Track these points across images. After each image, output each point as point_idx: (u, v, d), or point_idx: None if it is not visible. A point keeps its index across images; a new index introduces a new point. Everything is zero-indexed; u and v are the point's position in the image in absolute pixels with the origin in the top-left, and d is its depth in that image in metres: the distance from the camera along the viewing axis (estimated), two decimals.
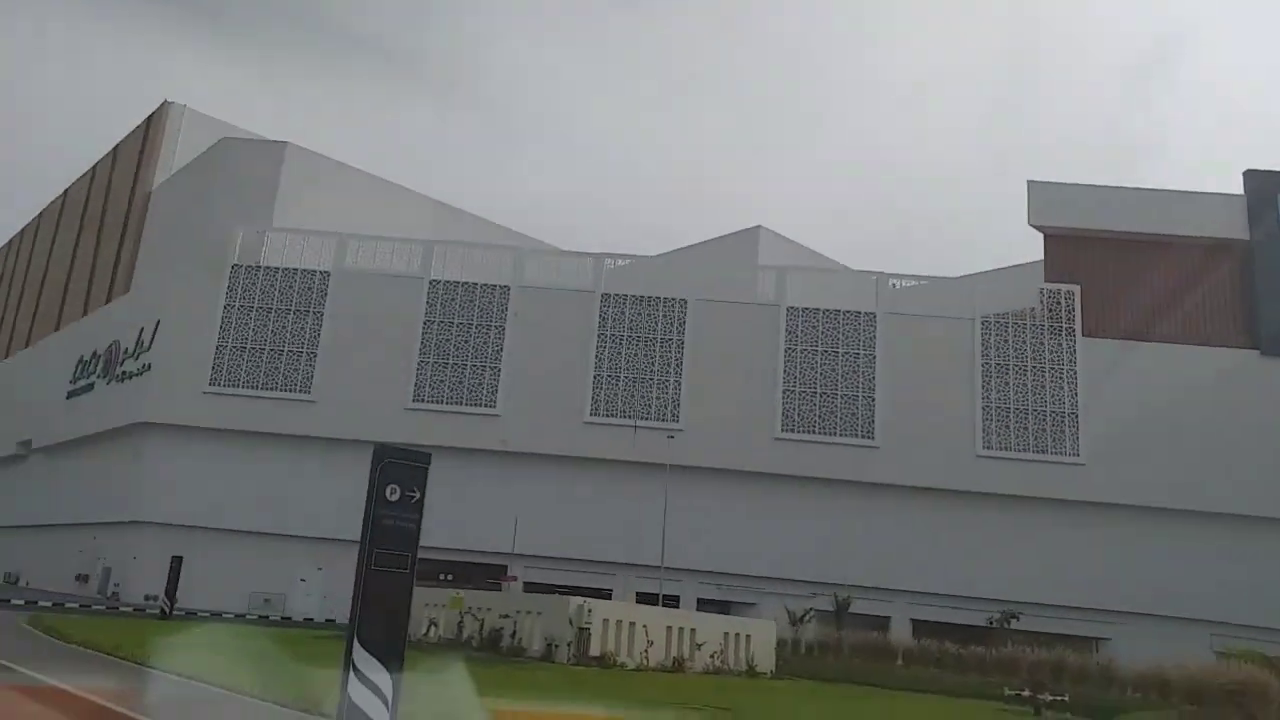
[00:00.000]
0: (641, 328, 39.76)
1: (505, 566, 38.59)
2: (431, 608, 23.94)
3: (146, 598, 38.70)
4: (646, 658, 18.59)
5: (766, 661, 20.84)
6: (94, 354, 46.85)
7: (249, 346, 39.95)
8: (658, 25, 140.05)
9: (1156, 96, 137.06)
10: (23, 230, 73.82)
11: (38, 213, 71.76)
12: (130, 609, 34.36)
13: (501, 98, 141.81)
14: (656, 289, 40.20)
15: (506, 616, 20.12)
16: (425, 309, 40.15)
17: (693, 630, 19.59)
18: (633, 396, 39.09)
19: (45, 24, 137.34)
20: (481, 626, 20.79)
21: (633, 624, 18.38)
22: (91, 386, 46.16)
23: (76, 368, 48.54)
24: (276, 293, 40.56)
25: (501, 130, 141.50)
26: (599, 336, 39.62)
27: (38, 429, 51.09)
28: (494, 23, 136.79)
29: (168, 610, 27.62)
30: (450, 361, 39.58)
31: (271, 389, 39.40)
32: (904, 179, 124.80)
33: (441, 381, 39.38)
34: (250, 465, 39.18)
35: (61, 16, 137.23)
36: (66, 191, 65.59)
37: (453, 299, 40.28)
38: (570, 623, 17.92)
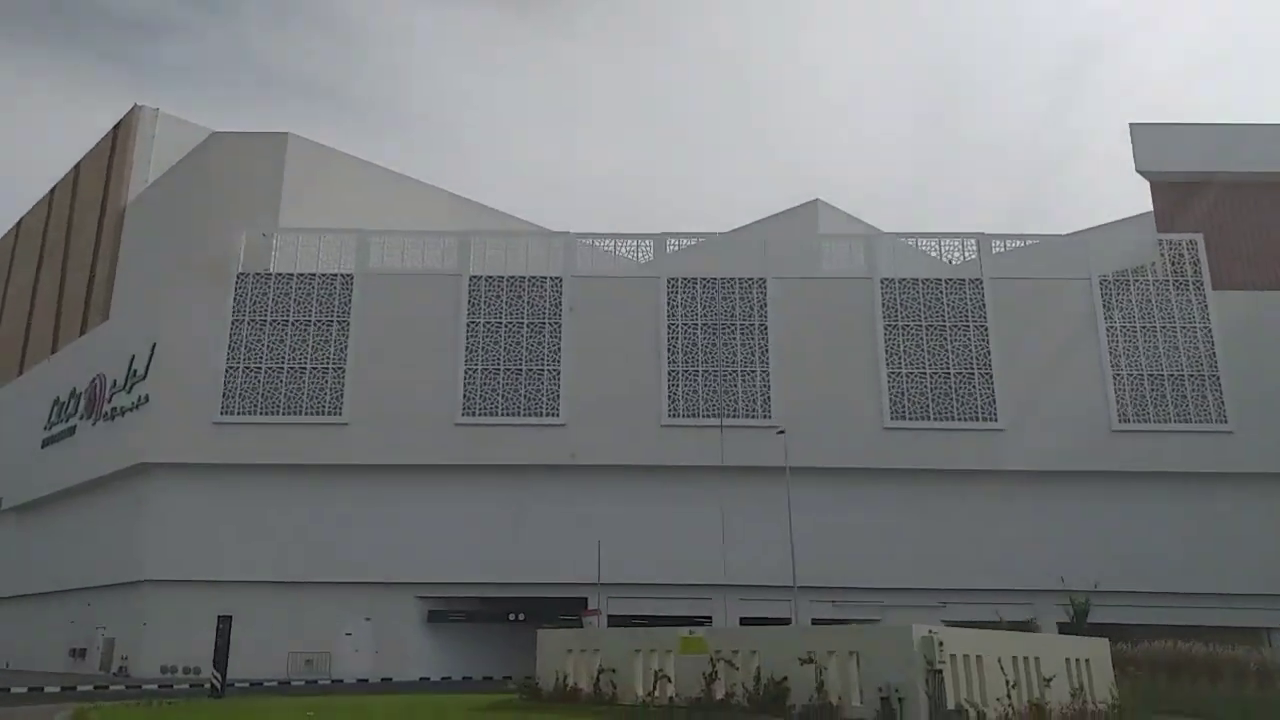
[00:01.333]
0: (716, 312, 35.21)
1: (585, 599, 33.63)
2: (640, 654, 16.36)
3: (163, 670, 33.04)
4: (1011, 707, 12.91)
5: (1106, 690, 15.51)
6: (72, 393, 41.10)
7: (264, 366, 34.69)
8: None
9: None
10: None
11: None
12: (156, 686, 28.76)
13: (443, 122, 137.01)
14: (721, 270, 35.77)
15: (808, 661, 13.38)
16: (467, 309, 35.24)
17: (1037, 659, 14.15)
18: (715, 392, 34.44)
19: None
20: (758, 677, 14.08)
21: (979, 657, 12.79)
22: (72, 431, 40.37)
23: (51, 411, 42.63)
24: (292, 302, 35.39)
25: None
26: (669, 326, 34.98)
27: (6, 486, 44.99)
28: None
29: (219, 686, 22.19)
30: (502, 367, 34.66)
31: (294, 413, 34.14)
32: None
33: (494, 390, 34.43)
34: (274, 504, 33.84)
35: None
36: (19, 224, 59.69)
37: (497, 296, 35.44)
38: (916, 663, 12.29)
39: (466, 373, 34.60)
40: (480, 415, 34.18)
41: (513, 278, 35.61)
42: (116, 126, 47.57)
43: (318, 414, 34.20)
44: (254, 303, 35.37)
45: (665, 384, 34.40)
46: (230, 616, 23.63)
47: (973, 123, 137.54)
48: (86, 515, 38.81)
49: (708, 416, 34.11)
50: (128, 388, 36.34)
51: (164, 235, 38.69)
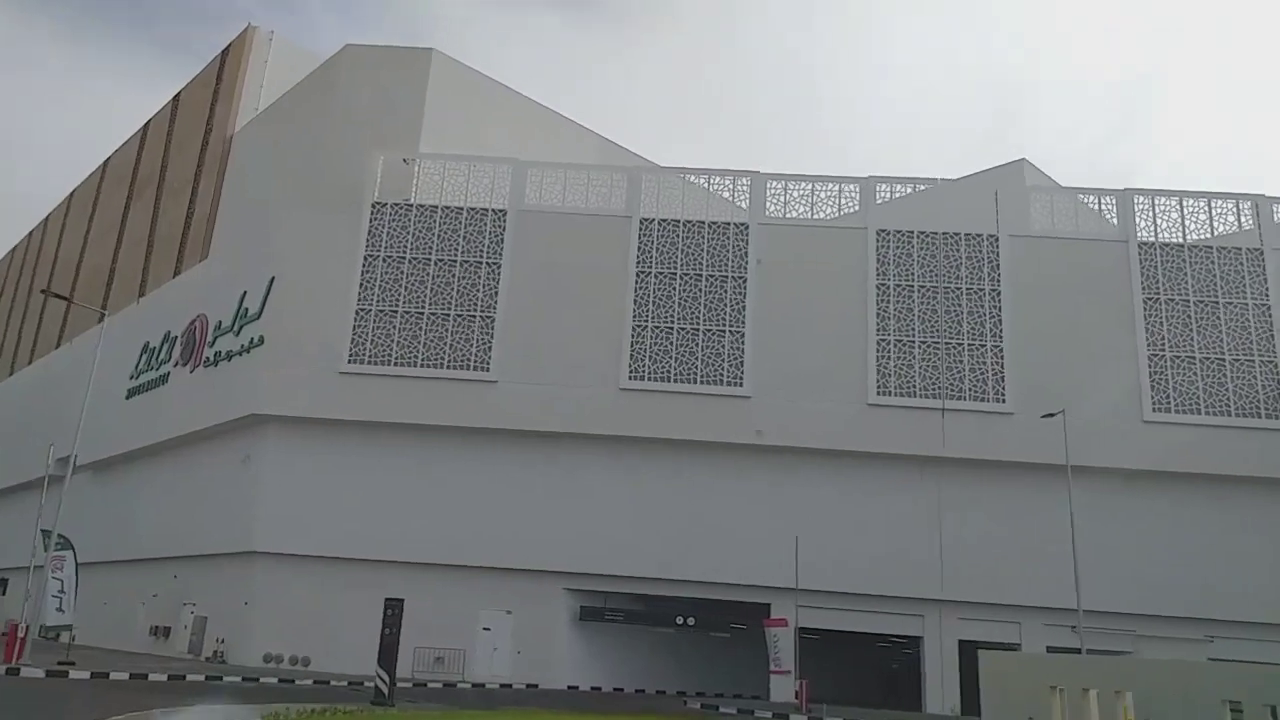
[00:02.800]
0: (937, 273, 29.87)
1: (767, 606, 28.49)
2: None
3: (267, 659, 28.43)
4: None
5: None
6: (166, 337, 36.88)
7: (401, 309, 30.05)
8: None
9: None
10: (46, 218, 64.24)
11: (65, 196, 62.32)
12: (276, 680, 24.22)
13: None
14: (938, 225, 30.48)
15: None
16: (637, 256, 30.37)
17: None
18: (933, 367, 29.12)
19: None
20: None
21: None
22: (165, 379, 36.11)
23: (140, 358, 38.48)
24: (435, 238, 30.74)
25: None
26: (879, 286, 29.72)
27: (85, 441, 40.85)
28: None
29: (386, 689, 17.30)
30: (676, 325, 29.67)
31: (435, 365, 29.45)
32: None
33: (666, 352, 29.44)
34: (405, 472, 29.17)
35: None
36: (105, 164, 56.12)
37: (672, 243, 30.47)
38: None
39: (634, 330, 29.63)
40: (650, 380, 29.17)
41: (690, 223, 30.59)
42: (224, 51, 43.60)
43: (461, 368, 29.43)
44: (391, 236, 30.75)
45: (873, 354, 29.11)
46: (401, 600, 18.85)
47: None
48: (179, 475, 34.45)
49: (925, 396, 28.81)
50: (236, 329, 31.90)
51: (282, 162, 34.32)
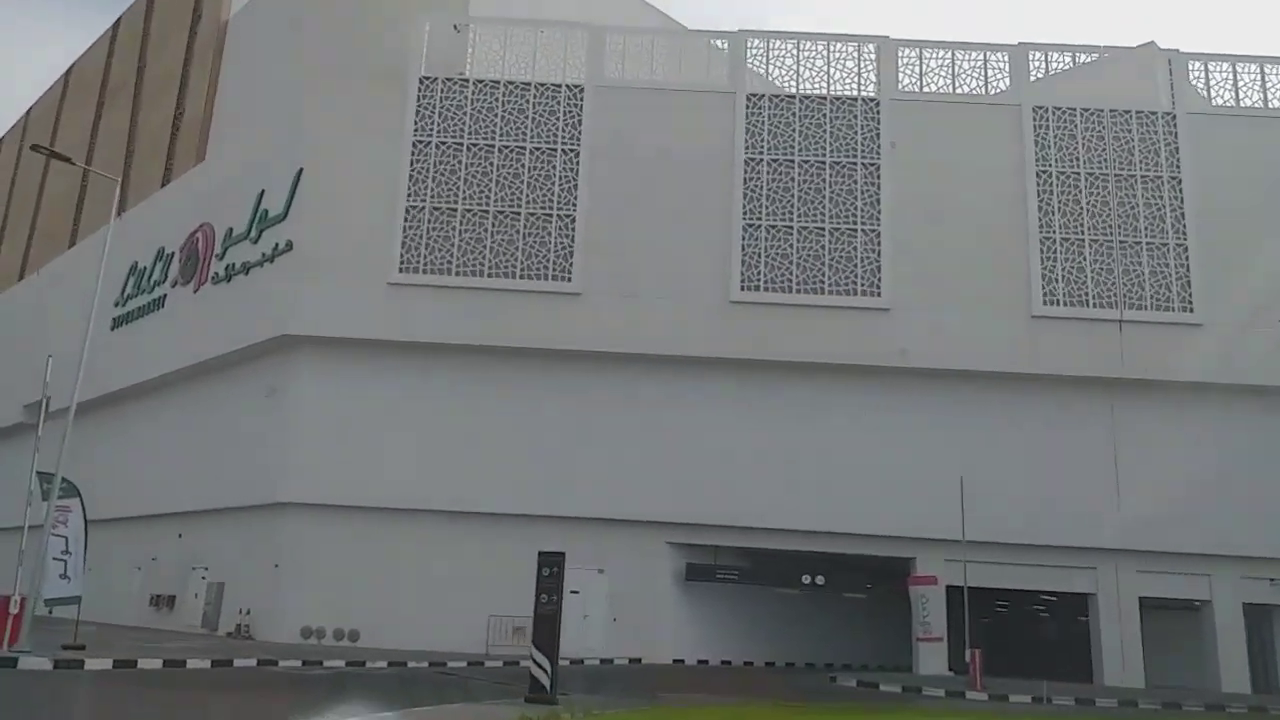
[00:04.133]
0: (1105, 158, 25.30)
1: (909, 561, 24.23)
2: None
3: (305, 633, 23.73)
4: None
5: None
6: (160, 254, 31.49)
7: (462, 207, 25.00)
8: None
9: None
10: None
11: (20, 117, 55.81)
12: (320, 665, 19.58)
13: None
14: (1088, 102, 25.78)
15: None
16: (746, 141, 25.48)
17: None
18: (1109, 270, 24.65)
19: None
20: None
21: None
22: (160, 303, 30.78)
23: (125, 283, 33.09)
24: (499, 120, 25.57)
25: None
26: (1040, 174, 25.13)
27: (58, 381, 35.37)
28: None
29: (547, 679, 12.59)
30: (796, 223, 24.90)
31: (504, 274, 24.52)
32: None
33: (785, 256, 24.64)
34: (469, 404, 24.39)
35: None
36: (68, 74, 49.76)
37: (787, 124, 25.54)
38: None
39: (746, 230, 24.81)
40: (766, 290, 24.48)
41: (808, 98, 25.60)
42: None
43: (537, 277, 24.51)
44: (444, 118, 25.52)
45: (1036, 256, 24.54)
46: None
47: None
48: (184, 416, 29.28)
49: (1099, 305, 24.40)
50: (253, 235, 26.59)
51: (301, 39, 28.68)
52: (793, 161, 25.22)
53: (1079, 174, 25.08)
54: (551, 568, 13.61)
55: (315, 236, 24.92)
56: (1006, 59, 25.95)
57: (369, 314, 24.24)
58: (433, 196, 24.99)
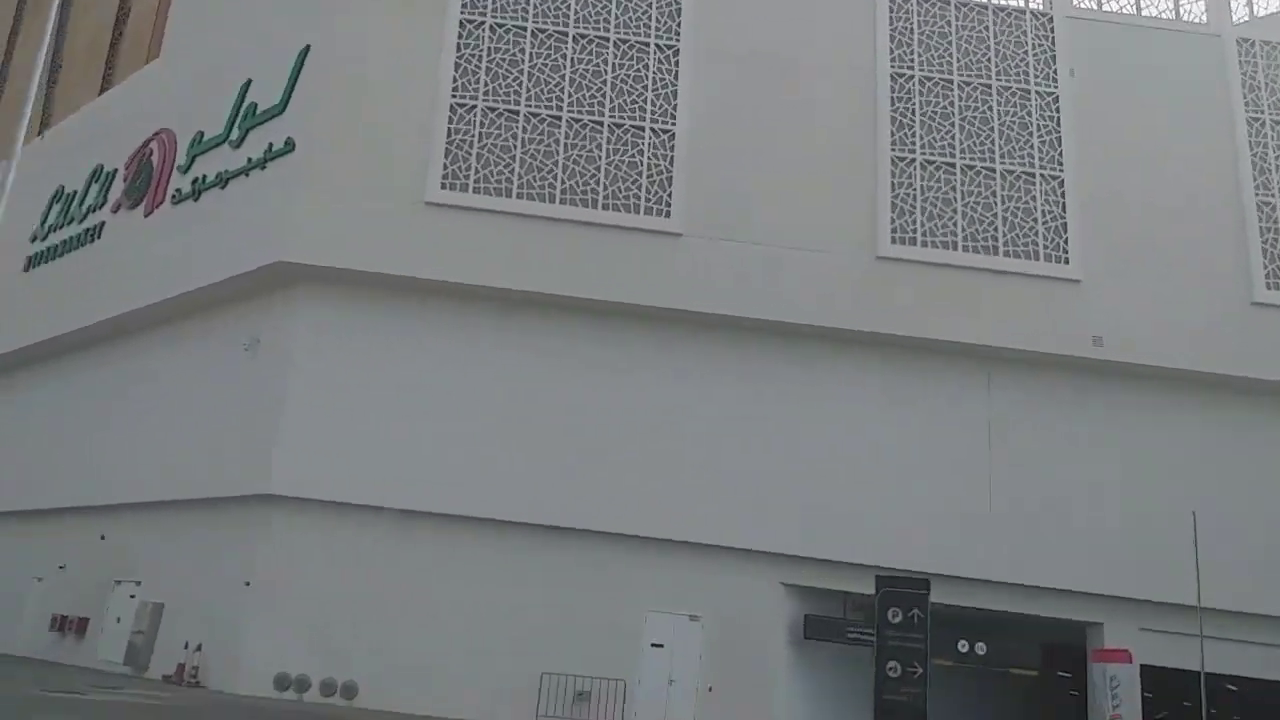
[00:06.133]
0: None
1: (1087, 625, 19.11)
2: None
3: (281, 683, 17.60)
4: None
5: None
6: (96, 174, 24.97)
7: (524, 109, 19.44)
8: None
9: None
10: None
11: None
12: None
13: None
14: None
15: None
16: (890, 49, 20.38)
17: None
18: None
19: None
20: None
21: None
22: (93, 234, 24.18)
23: (47, 210, 26.41)
24: (572, 4, 20.18)
25: None
26: (1251, 121, 20.42)
27: None
28: None
29: None
30: (958, 160, 19.77)
31: (581, 201, 18.98)
32: None
33: (945, 201, 19.39)
34: (527, 371, 18.67)
35: None
36: None
37: (940, 32, 20.28)
38: None
39: (897, 166, 19.73)
40: (924, 245, 19.40)
41: (965, 5, 20.77)
42: None
43: (624, 209, 19.08)
44: None
45: (1255, 223, 20.04)
46: (925, 582, 9.78)
47: None
48: (118, 379, 22.85)
49: None
50: (235, 136, 20.45)
51: None
52: (950, 82, 20.35)
53: None
54: (909, 609, 8.62)
55: (325, 136, 19.02)
56: None
57: (398, 241, 18.36)
58: (485, 94, 19.40)
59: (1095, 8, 21.14)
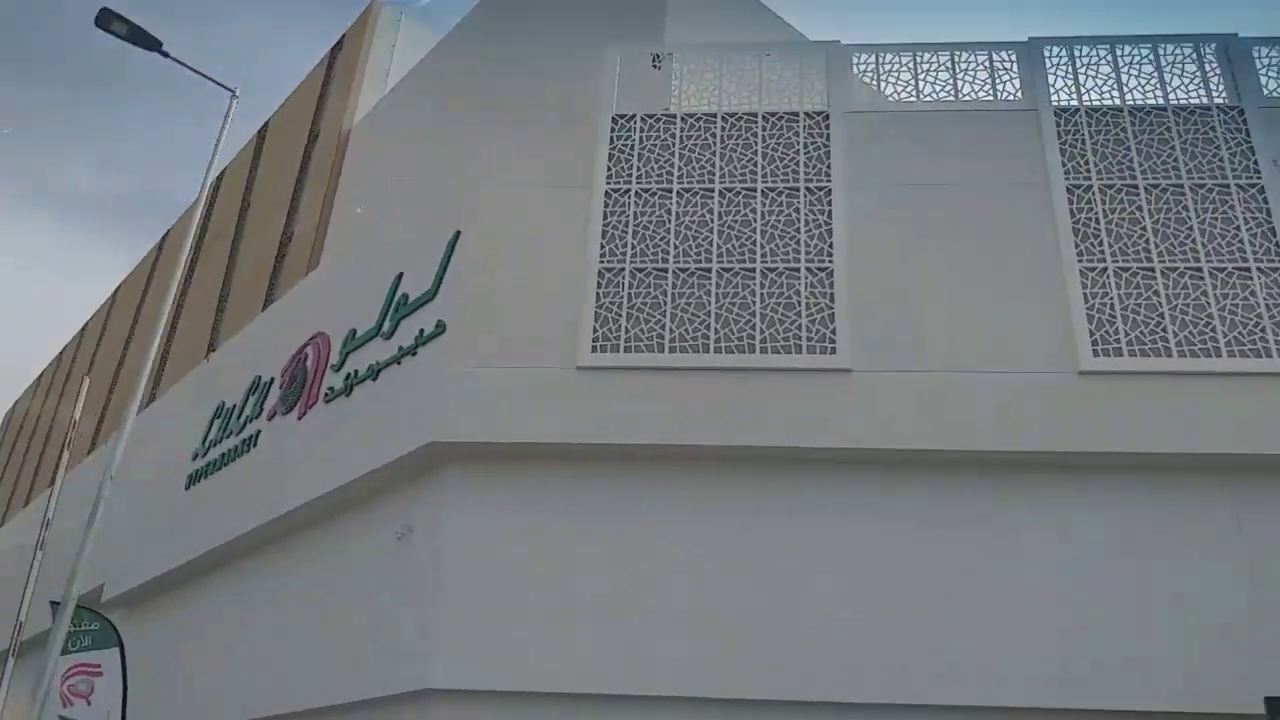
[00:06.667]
0: None
1: None
2: None
3: None
4: None
5: None
6: (254, 385, 25.75)
7: (673, 266, 18.94)
8: None
9: None
10: (83, 329, 55.36)
11: (107, 297, 53.52)
12: None
13: None
14: None
15: None
16: (1063, 163, 19.35)
17: None
18: None
19: None
20: None
21: None
22: (250, 443, 24.65)
23: (209, 427, 27.30)
24: (716, 158, 20.09)
25: None
26: None
27: (114, 564, 28.53)
28: None
29: None
30: (1157, 263, 18.07)
31: (739, 349, 17.93)
32: None
33: (1150, 306, 17.65)
34: (698, 537, 17.02)
35: None
36: (162, 242, 47.42)
37: (1117, 140, 19.29)
38: None
39: (1087, 275, 18.08)
40: (1124, 354, 17.35)
41: (1140, 110, 19.59)
42: (336, 46, 35.28)
43: (786, 350, 17.88)
44: (646, 162, 20.02)
45: None
46: None
47: None
48: (275, 583, 22.37)
49: None
50: (388, 328, 20.63)
51: (444, 103, 24.33)
52: (1135, 188, 18.79)
53: None
54: None
55: (475, 314, 18.85)
56: None
57: (550, 408, 17.61)
58: (634, 256, 19.03)
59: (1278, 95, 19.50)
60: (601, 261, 18.84)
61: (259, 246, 33.05)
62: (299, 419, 22.72)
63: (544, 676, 15.96)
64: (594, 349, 18.01)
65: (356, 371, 21.18)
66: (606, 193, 19.56)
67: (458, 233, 19.83)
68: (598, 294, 18.47)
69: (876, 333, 17.77)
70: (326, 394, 21.98)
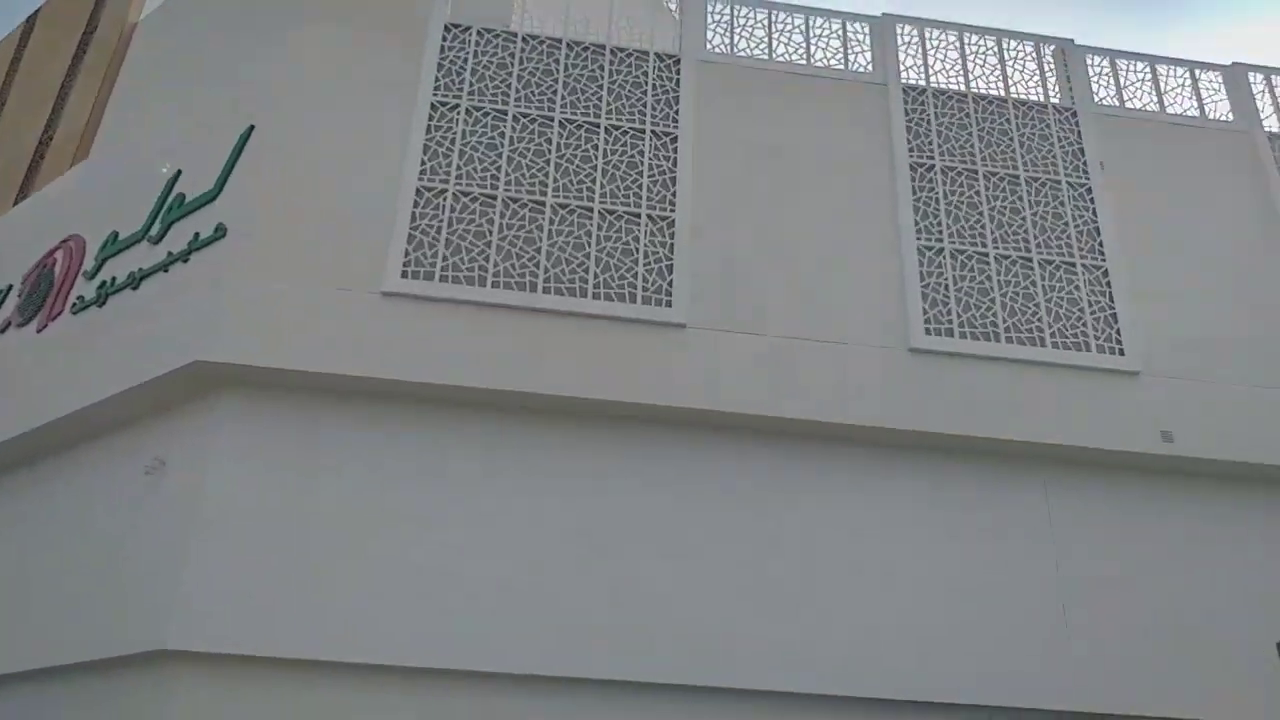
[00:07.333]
0: None
1: None
2: None
3: None
4: None
5: None
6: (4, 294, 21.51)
7: (502, 193, 16.89)
8: None
9: None
10: None
11: None
12: None
13: None
14: None
15: None
16: (909, 141, 18.70)
17: None
18: None
19: None
20: None
21: None
22: None
23: None
24: (559, 86, 18.15)
25: None
26: None
27: None
28: None
29: None
30: (991, 250, 17.75)
31: (570, 290, 16.11)
32: None
33: (981, 290, 17.29)
34: (506, 492, 15.09)
35: None
36: None
37: (960, 126, 18.94)
38: None
39: (925, 256, 17.56)
40: (954, 335, 16.94)
41: (985, 99, 19.35)
42: None
43: (620, 299, 16.25)
44: (480, 80, 17.92)
45: None
46: None
47: None
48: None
49: None
50: (156, 230, 17.41)
51: (246, 7, 21.08)
52: (975, 172, 18.56)
53: None
54: None
55: (265, 221, 16.13)
56: (1219, 78, 20.78)
57: (345, 335, 15.22)
58: (459, 178, 16.88)
59: (1116, 104, 19.91)
60: (421, 179, 16.63)
61: (14, 144, 28.07)
62: (39, 331, 19.02)
63: (305, 642, 13.57)
64: (404, 274, 15.80)
65: (114, 279, 17.83)
66: (433, 105, 17.38)
67: (251, 127, 17.01)
68: (414, 214, 16.27)
69: (714, 290, 16.57)
70: (75, 304, 18.47)
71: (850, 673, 14.46)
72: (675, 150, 17.73)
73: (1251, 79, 20.72)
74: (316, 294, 15.45)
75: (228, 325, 15.18)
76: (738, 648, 14.36)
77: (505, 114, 17.57)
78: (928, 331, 16.77)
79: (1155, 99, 20.24)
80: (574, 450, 15.52)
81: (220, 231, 16.22)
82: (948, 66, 19.78)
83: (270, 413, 15.20)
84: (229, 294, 15.41)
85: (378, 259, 15.85)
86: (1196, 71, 20.70)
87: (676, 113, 18.12)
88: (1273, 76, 20.90)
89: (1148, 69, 20.54)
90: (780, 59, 19.36)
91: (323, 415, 15.28)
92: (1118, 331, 17.26)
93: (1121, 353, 17.07)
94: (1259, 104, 20.40)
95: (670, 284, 16.46)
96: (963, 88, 19.56)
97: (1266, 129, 20.05)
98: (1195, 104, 20.27)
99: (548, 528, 14.88)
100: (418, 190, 16.51)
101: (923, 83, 19.44)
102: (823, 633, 14.69)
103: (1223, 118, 20.20)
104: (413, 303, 15.61)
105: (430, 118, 17.27)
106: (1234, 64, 20.86)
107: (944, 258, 17.53)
